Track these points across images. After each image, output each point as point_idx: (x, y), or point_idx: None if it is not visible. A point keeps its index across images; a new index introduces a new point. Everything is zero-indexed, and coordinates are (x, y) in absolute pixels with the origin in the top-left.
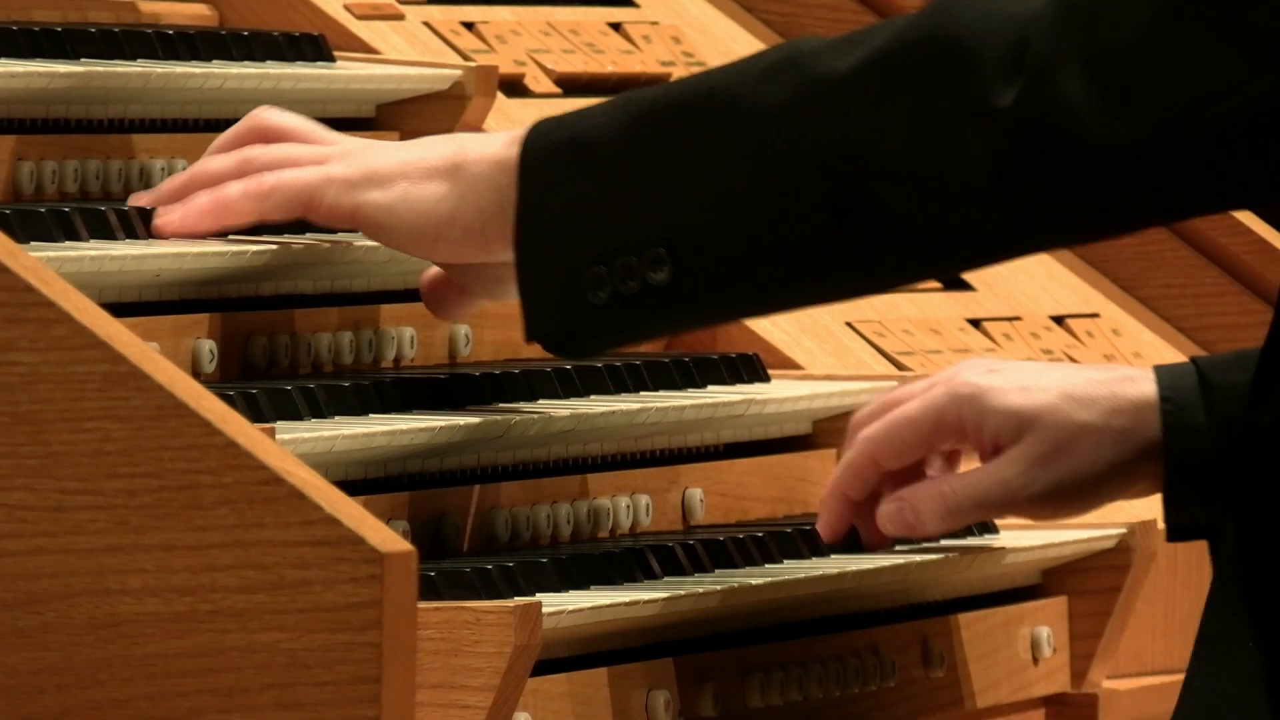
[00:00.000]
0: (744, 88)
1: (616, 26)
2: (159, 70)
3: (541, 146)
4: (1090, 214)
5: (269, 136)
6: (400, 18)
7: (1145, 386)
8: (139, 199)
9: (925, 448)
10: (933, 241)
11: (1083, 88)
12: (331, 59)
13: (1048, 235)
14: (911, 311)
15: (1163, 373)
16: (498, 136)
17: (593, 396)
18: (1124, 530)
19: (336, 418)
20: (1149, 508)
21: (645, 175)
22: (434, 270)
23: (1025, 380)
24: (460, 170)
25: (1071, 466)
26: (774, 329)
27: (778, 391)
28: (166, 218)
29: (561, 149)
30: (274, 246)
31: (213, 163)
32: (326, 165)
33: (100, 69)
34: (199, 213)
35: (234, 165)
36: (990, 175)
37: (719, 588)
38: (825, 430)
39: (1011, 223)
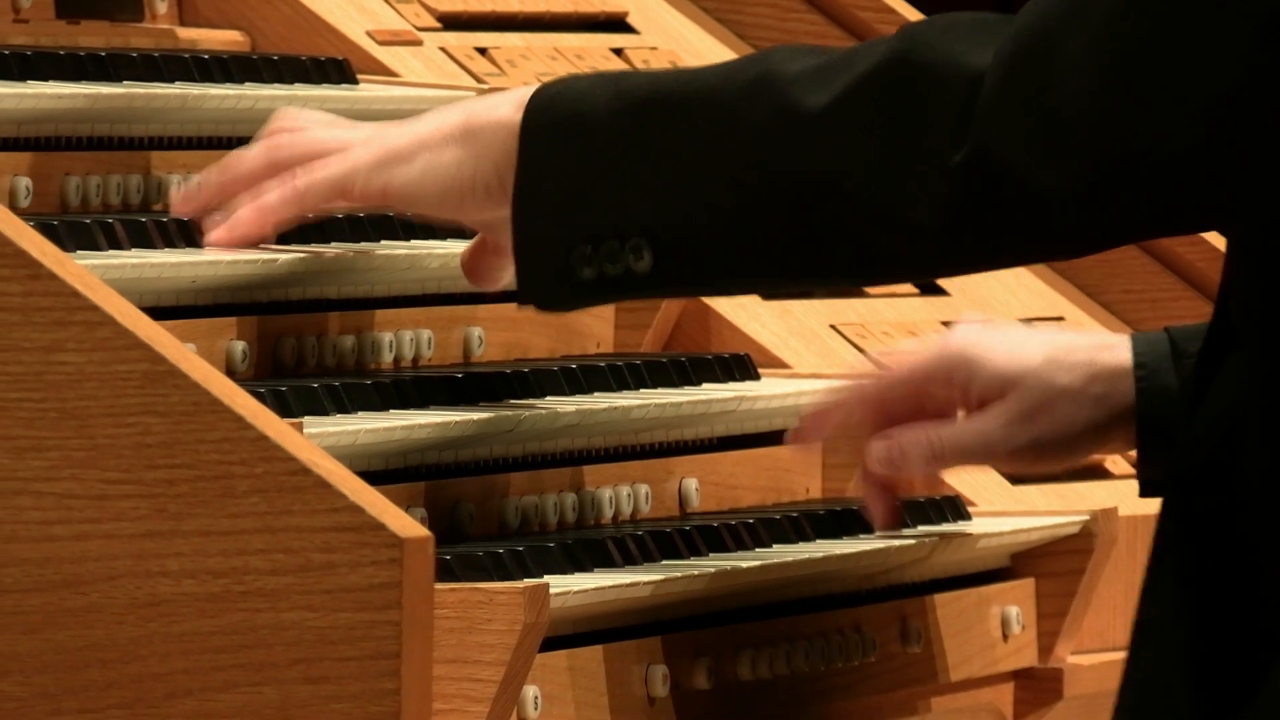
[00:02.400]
0: (727, 98)
1: (618, 51)
2: (195, 92)
3: (542, 120)
4: (1032, 250)
5: (285, 129)
6: (419, 43)
7: (1121, 354)
8: (185, 200)
9: (915, 389)
10: (890, 264)
11: (1024, 143)
12: (355, 81)
13: (993, 264)
14: (891, 315)
15: (1138, 340)
16: (504, 99)
17: (595, 393)
18: (1087, 517)
19: (359, 413)
20: (1110, 496)
21: (633, 168)
22: (470, 245)
23: (1012, 343)
24: (473, 135)
25: (1049, 425)
26: (764, 330)
27: (767, 389)
28: (215, 232)
29: (559, 127)
30: (302, 255)
31: (244, 157)
32: (350, 153)
33: (141, 90)
34: (245, 223)
35: (262, 155)
36: (943, 218)
37: (712, 570)
38: None
39: (961, 255)
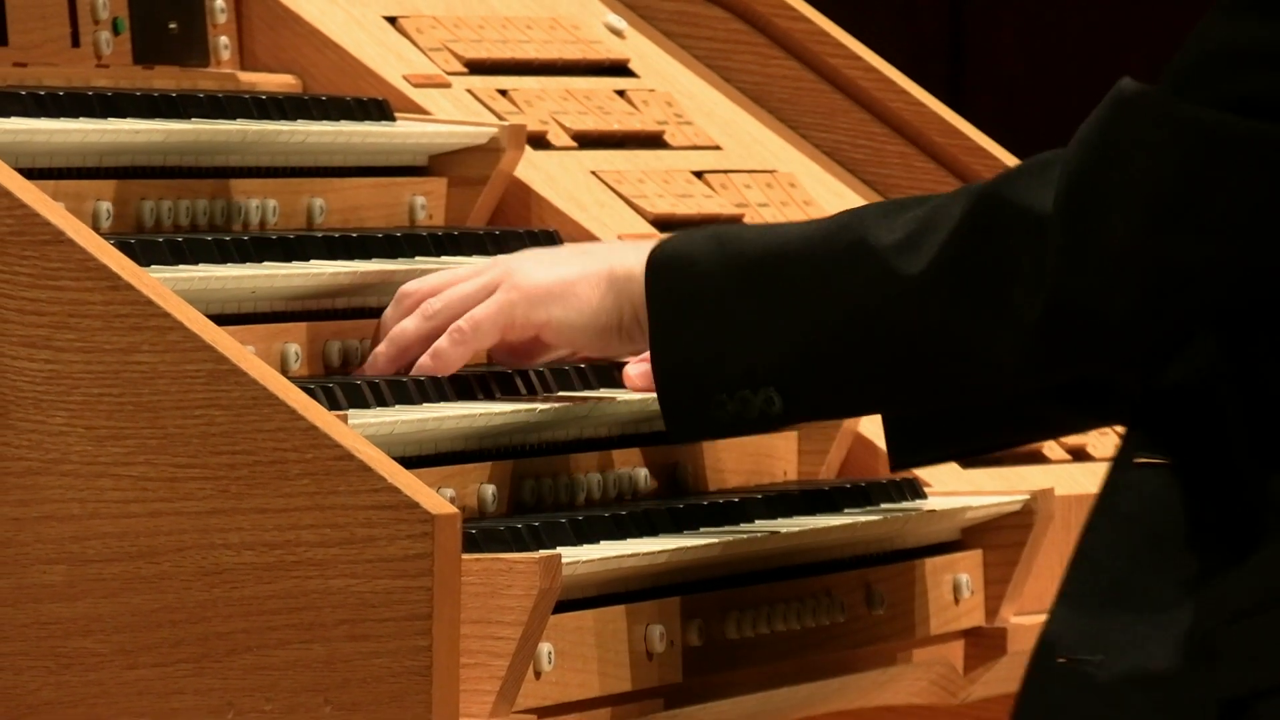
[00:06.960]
0: (829, 264)
1: (621, 93)
2: (254, 128)
3: (662, 289)
4: (1105, 369)
5: (421, 299)
6: (448, 86)
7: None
8: (365, 372)
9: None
10: (983, 395)
11: (1090, 283)
12: (392, 119)
13: (1068, 380)
14: None
15: None
16: (633, 252)
17: (602, 389)
18: (1028, 497)
19: (397, 407)
20: (1048, 478)
21: (756, 330)
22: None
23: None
24: (616, 284)
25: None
26: None
27: None
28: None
29: (681, 296)
30: (346, 270)
31: (405, 328)
32: (499, 294)
33: (207, 127)
34: (426, 371)
35: (421, 321)
36: (1029, 361)
37: (703, 543)
38: None
39: (1045, 382)
